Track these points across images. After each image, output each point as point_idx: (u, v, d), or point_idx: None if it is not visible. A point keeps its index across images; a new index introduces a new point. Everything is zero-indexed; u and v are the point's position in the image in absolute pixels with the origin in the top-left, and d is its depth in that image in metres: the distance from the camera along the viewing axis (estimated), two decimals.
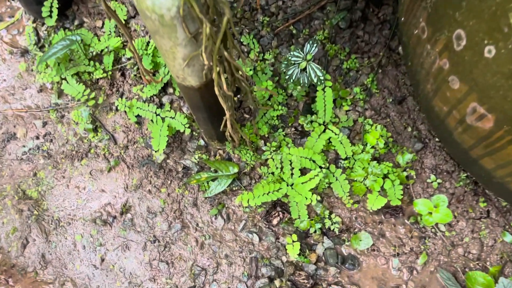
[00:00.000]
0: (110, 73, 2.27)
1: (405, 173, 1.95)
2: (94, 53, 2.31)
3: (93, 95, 2.18)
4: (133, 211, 2.00)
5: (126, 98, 2.21)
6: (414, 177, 1.97)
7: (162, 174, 2.04)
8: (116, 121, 2.18)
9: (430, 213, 1.79)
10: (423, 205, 1.78)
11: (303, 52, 1.98)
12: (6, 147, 2.21)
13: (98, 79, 2.29)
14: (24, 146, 2.20)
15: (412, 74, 1.67)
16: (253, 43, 2.21)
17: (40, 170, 2.14)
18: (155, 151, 2.07)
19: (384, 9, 2.27)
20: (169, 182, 2.03)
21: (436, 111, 1.51)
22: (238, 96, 1.71)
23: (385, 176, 1.93)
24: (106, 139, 2.15)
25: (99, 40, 2.35)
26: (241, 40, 2.22)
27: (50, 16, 2.35)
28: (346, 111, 2.09)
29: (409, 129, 2.04)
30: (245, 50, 2.23)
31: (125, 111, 2.18)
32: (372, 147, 1.93)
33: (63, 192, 2.07)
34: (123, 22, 2.36)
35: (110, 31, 2.36)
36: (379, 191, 1.91)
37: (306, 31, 2.25)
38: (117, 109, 2.21)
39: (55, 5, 2.30)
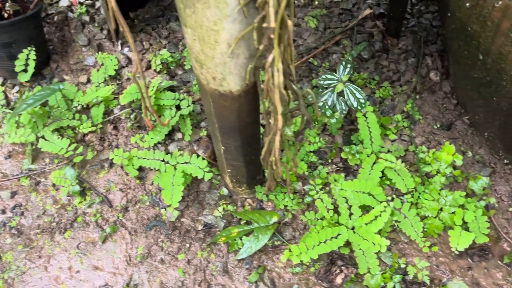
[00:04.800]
0: (100, 126, 1.86)
1: (482, 203, 1.58)
2: (78, 107, 1.93)
3: (80, 149, 1.74)
4: None
5: (123, 151, 1.78)
6: (496, 205, 1.59)
7: (177, 236, 1.55)
8: (110, 180, 1.72)
9: None
10: None
11: (336, 74, 1.70)
12: None
13: (85, 134, 1.87)
14: None
15: (483, 71, 1.40)
16: None
17: (6, 252, 1.58)
18: (166, 208, 1.60)
19: (402, 40, 2.11)
20: (187, 245, 1.53)
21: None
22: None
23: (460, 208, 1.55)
24: (98, 202, 1.66)
25: (84, 94, 1.99)
26: None
27: (25, 70, 1.98)
28: (392, 140, 1.76)
29: (469, 154, 1.73)
30: None
31: (122, 166, 1.74)
32: (448, 166, 1.57)
33: (39, 277, 1.51)
34: (114, 72, 2.03)
35: (98, 82, 2.01)
36: (461, 226, 1.51)
37: (326, 65, 2.01)
38: (110, 166, 1.76)
39: (32, 57, 1.95)
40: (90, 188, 1.70)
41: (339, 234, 1.45)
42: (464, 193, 1.57)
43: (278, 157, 1.33)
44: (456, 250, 1.46)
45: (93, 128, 1.83)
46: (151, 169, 1.72)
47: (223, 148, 1.43)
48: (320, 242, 1.42)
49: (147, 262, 1.50)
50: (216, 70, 1.13)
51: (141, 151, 1.69)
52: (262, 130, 1.60)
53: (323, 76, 1.69)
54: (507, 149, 1.58)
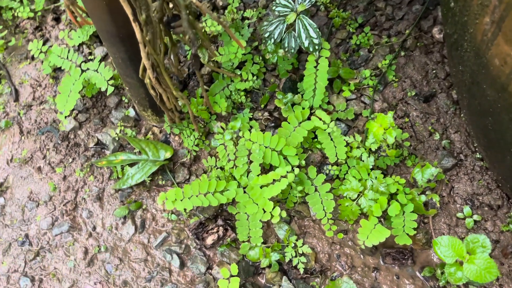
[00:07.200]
0: (39, 14, 1.69)
1: (423, 198, 1.25)
2: None
3: (4, 33, 1.59)
4: (9, 195, 1.34)
5: (49, 46, 1.61)
6: (437, 205, 1.27)
7: (64, 148, 1.39)
8: (27, 73, 1.57)
9: (460, 263, 1.08)
10: (449, 247, 1.07)
11: (293, 2, 1.36)
12: None
13: (23, 20, 1.71)
14: None
15: (453, 25, 1.02)
16: None
17: None
18: (62, 114, 1.44)
19: None
20: (70, 160, 1.37)
21: (494, 70, 0.85)
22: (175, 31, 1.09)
23: (392, 197, 1.24)
24: (7, 93, 1.53)
25: None
26: None
27: None
28: (347, 99, 1.43)
29: (437, 136, 1.37)
30: (221, 4, 1.64)
31: (42, 61, 1.58)
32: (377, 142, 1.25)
33: None
34: None
35: None
36: (379, 218, 1.22)
37: None
38: (33, 58, 1.61)
39: None
40: (5, 76, 1.57)
41: (226, 190, 1.22)
42: (403, 181, 1.25)
43: (153, 78, 1.08)
44: (364, 244, 1.18)
45: (31, 15, 1.66)
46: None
47: (112, 58, 1.20)
48: (200, 193, 1.20)
49: (26, 168, 1.37)
50: None
51: (61, 47, 1.50)
52: None
53: (277, 1, 1.37)
54: (477, 138, 1.21)
